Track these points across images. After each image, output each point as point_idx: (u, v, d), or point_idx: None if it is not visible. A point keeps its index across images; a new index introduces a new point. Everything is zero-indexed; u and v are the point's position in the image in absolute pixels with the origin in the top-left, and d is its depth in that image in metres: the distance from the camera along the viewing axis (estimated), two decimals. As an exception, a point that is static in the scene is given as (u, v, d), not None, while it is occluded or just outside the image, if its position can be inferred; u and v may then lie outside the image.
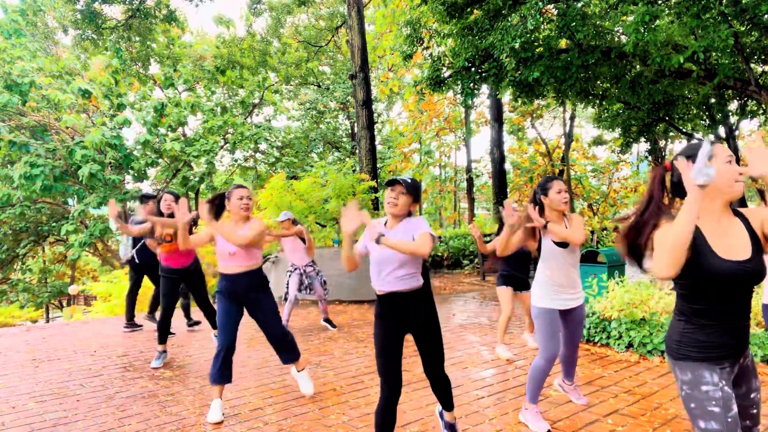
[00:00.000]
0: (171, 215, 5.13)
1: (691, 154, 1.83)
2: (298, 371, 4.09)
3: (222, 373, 3.62)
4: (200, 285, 5.42)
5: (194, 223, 5.42)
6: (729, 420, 1.78)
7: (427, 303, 2.78)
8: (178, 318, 6.57)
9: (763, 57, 9.30)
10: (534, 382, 3.32)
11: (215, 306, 5.40)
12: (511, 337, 5.95)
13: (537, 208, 3.26)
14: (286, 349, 3.95)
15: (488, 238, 13.36)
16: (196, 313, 7.20)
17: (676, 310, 1.93)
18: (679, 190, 1.92)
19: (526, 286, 5.16)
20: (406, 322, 2.71)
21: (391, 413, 2.64)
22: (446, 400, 2.94)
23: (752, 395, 1.94)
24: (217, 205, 3.69)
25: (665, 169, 1.94)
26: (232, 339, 3.66)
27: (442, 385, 2.89)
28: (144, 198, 6.11)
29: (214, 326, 5.60)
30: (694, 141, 2.05)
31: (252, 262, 3.76)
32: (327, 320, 6.79)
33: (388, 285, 2.66)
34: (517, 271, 5.12)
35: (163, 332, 5.07)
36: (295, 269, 6.49)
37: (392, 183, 2.67)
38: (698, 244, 1.77)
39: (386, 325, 2.67)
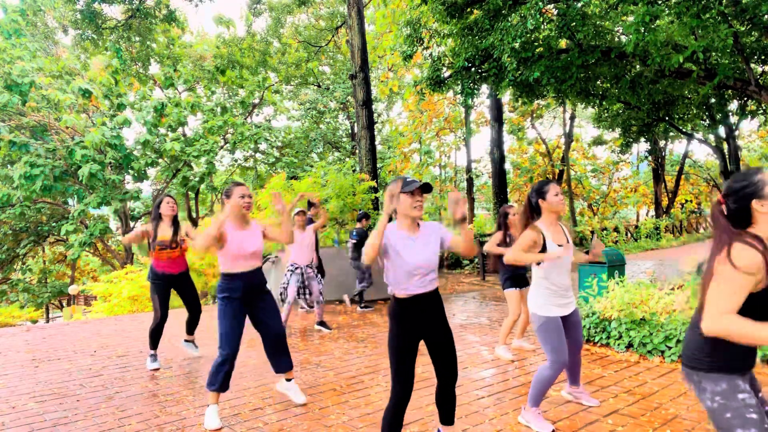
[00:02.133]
0: (175, 217, 5.01)
1: (744, 185, 1.89)
2: (288, 380, 3.98)
3: (226, 381, 3.57)
4: (193, 287, 5.32)
5: (194, 222, 5.34)
6: (766, 426, 1.82)
7: (440, 303, 2.79)
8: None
9: (763, 57, 9.30)
10: (539, 389, 3.31)
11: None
12: (510, 337, 5.95)
13: (531, 210, 3.37)
14: (284, 351, 3.84)
15: (486, 239, 13.37)
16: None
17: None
18: (734, 220, 1.93)
19: (528, 282, 5.19)
20: (424, 323, 2.70)
21: (401, 415, 2.65)
22: (450, 414, 2.85)
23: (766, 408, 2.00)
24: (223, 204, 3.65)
25: (720, 203, 1.96)
26: (237, 347, 3.61)
27: (452, 397, 2.82)
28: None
29: (190, 332, 5.44)
30: (741, 172, 2.10)
31: (261, 261, 3.80)
32: (321, 323, 6.71)
33: (417, 288, 2.65)
34: (520, 268, 5.12)
35: (156, 338, 5.00)
36: (296, 268, 6.44)
37: (427, 189, 2.62)
38: None
39: (406, 326, 2.64)
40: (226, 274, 3.63)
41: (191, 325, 5.40)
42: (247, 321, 3.72)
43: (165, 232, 4.90)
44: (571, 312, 3.40)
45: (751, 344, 1.81)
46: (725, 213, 1.94)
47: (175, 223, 5.02)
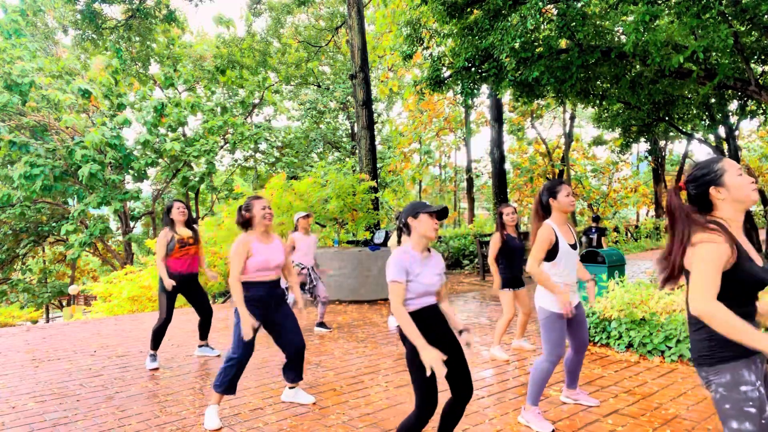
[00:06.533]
0: (188, 221, 5.11)
1: (704, 173, 1.95)
2: (290, 388, 3.99)
3: (234, 384, 3.57)
4: (203, 290, 5.34)
5: (194, 221, 5.34)
6: (764, 422, 1.79)
7: (443, 315, 2.76)
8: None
9: (763, 57, 9.30)
10: (537, 385, 3.34)
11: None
12: (510, 336, 5.95)
13: (542, 209, 3.41)
14: (300, 364, 3.86)
15: (486, 238, 13.36)
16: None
17: (698, 320, 1.91)
18: (696, 204, 1.99)
19: (523, 283, 5.21)
20: (438, 334, 2.64)
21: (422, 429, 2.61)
22: (451, 430, 2.79)
23: None
24: (244, 218, 3.68)
25: (680, 188, 2.01)
26: (251, 353, 3.61)
27: (461, 414, 2.74)
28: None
29: (203, 337, 5.45)
30: (704, 158, 2.11)
31: (281, 272, 3.86)
32: (321, 324, 6.70)
33: (424, 303, 2.64)
34: (516, 270, 5.14)
35: (159, 339, 4.99)
36: (303, 268, 6.47)
37: (444, 214, 2.65)
38: (741, 255, 1.83)
39: (427, 338, 2.56)
40: (247, 283, 3.64)
41: (204, 329, 5.42)
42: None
43: (183, 232, 5.07)
44: (575, 307, 3.45)
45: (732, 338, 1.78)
46: (685, 198, 2.00)
47: (189, 223, 5.16)
